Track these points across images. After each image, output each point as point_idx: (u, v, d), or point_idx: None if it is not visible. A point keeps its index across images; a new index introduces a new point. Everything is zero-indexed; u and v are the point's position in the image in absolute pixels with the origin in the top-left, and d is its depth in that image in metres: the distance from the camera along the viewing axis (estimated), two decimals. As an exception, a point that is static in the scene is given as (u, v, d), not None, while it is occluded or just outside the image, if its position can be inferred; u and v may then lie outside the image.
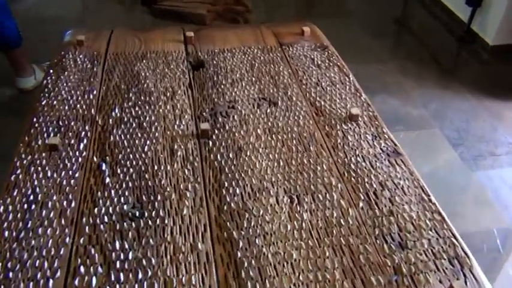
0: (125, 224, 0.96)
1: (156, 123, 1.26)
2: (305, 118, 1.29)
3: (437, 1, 3.34)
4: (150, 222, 0.97)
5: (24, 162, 1.11)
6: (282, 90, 1.41)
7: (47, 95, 1.37)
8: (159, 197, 1.03)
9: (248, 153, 1.16)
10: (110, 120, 1.27)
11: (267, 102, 1.36)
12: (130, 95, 1.38)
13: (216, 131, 1.24)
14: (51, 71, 1.50)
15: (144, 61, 1.56)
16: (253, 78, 1.47)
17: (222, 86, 1.43)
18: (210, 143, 1.20)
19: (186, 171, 1.10)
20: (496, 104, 2.31)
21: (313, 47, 1.66)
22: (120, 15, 3.22)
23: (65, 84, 1.43)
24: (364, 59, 2.69)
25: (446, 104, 2.30)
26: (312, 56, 1.60)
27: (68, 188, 1.05)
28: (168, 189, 1.05)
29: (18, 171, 1.08)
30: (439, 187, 1.82)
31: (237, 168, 1.11)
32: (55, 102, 1.34)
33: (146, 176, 1.08)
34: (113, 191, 1.04)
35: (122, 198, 1.02)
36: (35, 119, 1.26)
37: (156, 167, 1.11)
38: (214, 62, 1.56)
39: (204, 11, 2.99)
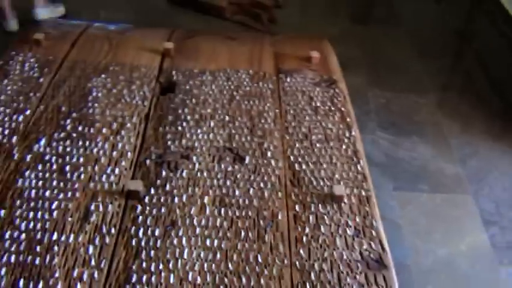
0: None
1: (81, 169, 1.06)
2: (273, 187, 1.05)
3: (510, 19, 2.94)
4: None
5: None
6: (258, 139, 1.18)
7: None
8: (40, 286, 0.83)
9: (180, 233, 0.94)
10: (28, 156, 1.08)
11: (232, 155, 1.12)
12: (68, 122, 1.18)
13: (153, 191, 1.02)
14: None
15: (103, 76, 1.35)
16: (227, 117, 1.23)
17: (184, 124, 1.20)
18: (139, 208, 0.99)
19: (91, 248, 0.90)
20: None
21: (317, 80, 1.40)
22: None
23: (-2, 97, 1.26)
24: (402, 85, 2.37)
25: (491, 161, 1.94)
26: (312, 94, 1.34)
27: None
28: (57, 274, 0.85)
29: None
30: (452, 284, 1.49)
31: (158, 254, 0.89)
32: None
33: (38, 248, 0.89)
34: (-15, 268, 0.85)
35: (-8, 283, 0.83)
36: None
37: (54, 237, 0.91)
38: (188, 87, 1.33)
39: (225, 3, 2.76)
